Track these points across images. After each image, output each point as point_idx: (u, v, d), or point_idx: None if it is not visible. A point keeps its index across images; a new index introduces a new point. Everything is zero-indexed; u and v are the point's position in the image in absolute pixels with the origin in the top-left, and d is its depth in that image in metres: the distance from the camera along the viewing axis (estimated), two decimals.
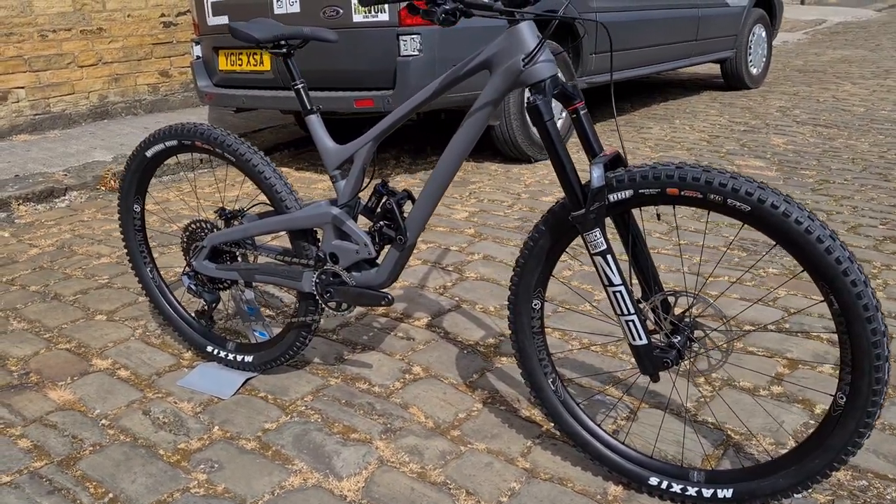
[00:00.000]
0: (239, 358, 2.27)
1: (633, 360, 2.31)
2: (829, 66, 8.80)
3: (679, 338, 1.61)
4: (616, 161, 1.58)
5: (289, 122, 6.15)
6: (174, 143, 2.10)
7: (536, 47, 1.52)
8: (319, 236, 2.04)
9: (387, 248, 1.91)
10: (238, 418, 2.08)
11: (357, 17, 4.04)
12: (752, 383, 2.17)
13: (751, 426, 1.97)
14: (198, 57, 5.10)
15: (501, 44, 1.58)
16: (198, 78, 5.09)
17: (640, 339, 1.57)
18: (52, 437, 2.01)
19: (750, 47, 7.07)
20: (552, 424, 2.01)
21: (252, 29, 1.88)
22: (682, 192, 1.47)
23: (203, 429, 2.04)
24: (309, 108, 1.93)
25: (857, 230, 3.37)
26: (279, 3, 4.34)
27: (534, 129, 4.66)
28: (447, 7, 1.44)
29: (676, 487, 1.69)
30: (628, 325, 1.57)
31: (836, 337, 2.40)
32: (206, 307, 2.23)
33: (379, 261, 1.96)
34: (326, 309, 2.00)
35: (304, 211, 1.95)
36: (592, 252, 1.55)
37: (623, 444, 1.76)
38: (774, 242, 1.45)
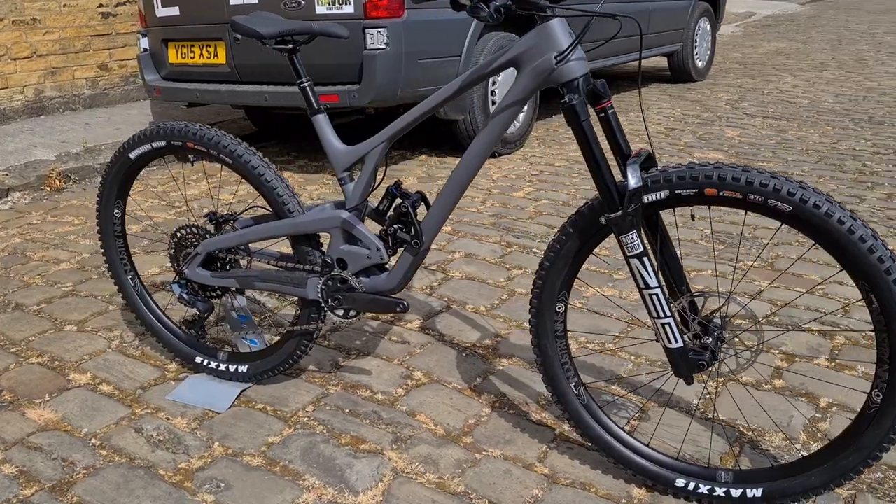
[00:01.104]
0: (232, 368, 2.16)
1: (632, 358, 2.30)
2: (766, 59, 9.03)
3: (710, 339, 1.59)
4: (648, 161, 1.54)
5: (238, 116, 5.97)
6: (162, 143, 1.98)
7: (571, 45, 1.47)
8: (322, 240, 1.96)
9: (398, 251, 1.84)
10: (238, 433, 1.98)
11: (320, 9, 3.92)
12: (754, 378, 2.18)
13: (760, 422, 1.97)
14: (145, 49, 4.89)
15: (531, 41, 1.52)
16: (145, 72, 4.88)
17: (676, 341, 1.55)
18: (39, 461, 1.88)
19: (696, 40, 7.20)
20: (567, 427, 1.98)
21: (255, 24, 1.78)
22: (721, 193, 1.45)
23: (203, 445, 1.93)
24: (316, 106, 1.84)
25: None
26: None
27: None
28: (497, 4, 1.39)
29: (704, 488, 1.67)
30: (664, 328, 1.54)
31: (826, 329, 2.44)
32: (197, 317, 2.12)
33: (388, 265, 1.89)
34: (333, 316, 1.92)
35: (309, 215, 1.86)
36: (629, 255, 1.52)
37: (647, 446, 1.74)
38: (813, 242, 1.44)
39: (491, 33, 4.52)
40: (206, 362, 2.20)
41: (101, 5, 6.20)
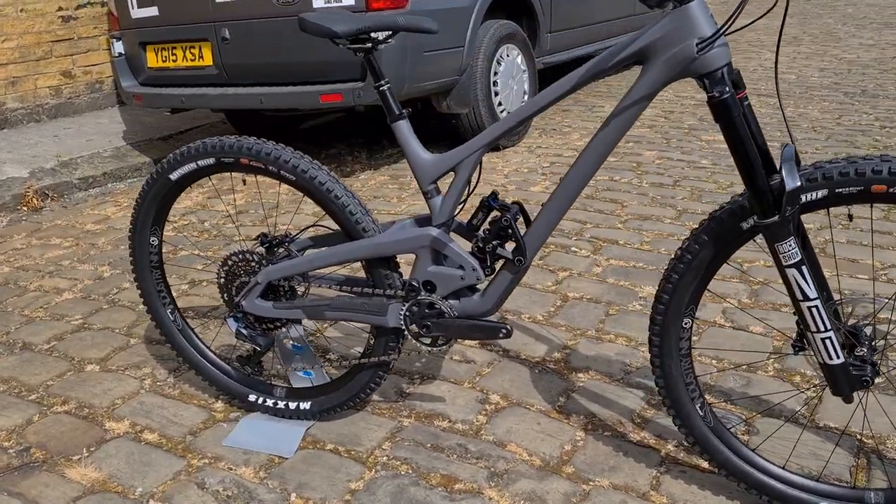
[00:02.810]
0: (292, 405, 1.95)
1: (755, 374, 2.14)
2: (738, 35, 8.99)
3: (864, 350, 1.43)
4: (796, 158, 1.37)
5: (217, 120, 5.68)
6: (210, 161, 1.75)
7: (719, 30, 1.29)
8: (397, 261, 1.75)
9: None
10: (315, 479, 1.77)
11: (318, 3, 3.68)
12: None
13: (876, 427, 1.84)
14: (120, 54, 4.58)
15: (665, 28, 1.34)
16: (121, 77, 4.57)
17: (838, 357, 1.39)
18: None
19: None
20: (671, 447, 1.81)
21: (327, 21, 1.56)
22: (892, 189, 1.29)
23: (279, 499, 1.72)
24: (398, 112, 1.63)
25: None
26: None
27: (502, 116, 4.45)
28: None
29: None
30: (825, 343, 1.38)
31: None
32: (253, 352, 1.90)
33: (480, 286, 1.69)
34: (419, 344, 1.72)
35: (392, 234, 1.65)
36: (785, 264, 1.35)
37: (784, 468, 1.58)
38: None
39: (489, 21, 4.33)
40: (261, 400, 1.98)
41: (60, 8, 5.82)
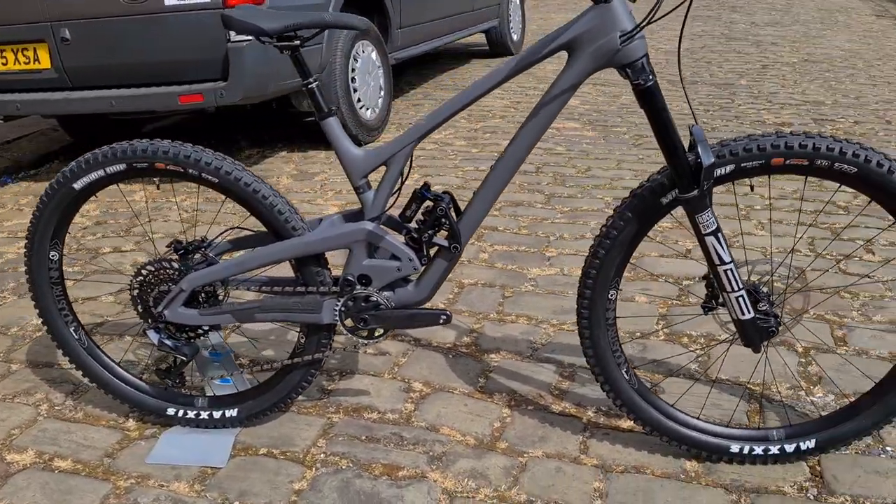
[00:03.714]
0: (216, 414, 1.90)
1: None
2: None
3: (766, 305, 1.62)
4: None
5: (48, 127, 5.29)
6: (121, 167, 1.66)
7: (640, 24, 1.41)
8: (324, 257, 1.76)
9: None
10: (255, 485, 1.75)
11: (171, 1, 3.53)
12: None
13: (746, 374, 2.07)
14: None
15: (591, 22, 1.44)
16: None
17: (748, 312, 1.56)
18: None
19: (510, 15, 7.39)
20: (591, 414, 1.95)
21: (254, 17, 1.53)
22: (788, 161, 1.47)
23: None
24: (326, 109, 1.63)
25: None
26: None
27: (363, 113, 4.47)
28: None
29: (759, 449, 1.72)
30: (738, 301, 1.55)
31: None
32: (173, 363, 1.83)
33: (412, 276, 1.73)
34: (356, 339, 1.74)
35: (324, 230, 1.65)
36: (704, 232, 1.50)
37: (699, 419, 1.76)
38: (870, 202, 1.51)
39: None
40: (181, 413, 1.91)
41: None
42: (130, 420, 2.00)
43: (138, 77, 3.73)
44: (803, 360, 2.13)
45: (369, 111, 4.59)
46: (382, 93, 4.77)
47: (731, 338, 1.81)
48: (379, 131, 4.73)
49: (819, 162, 1.47)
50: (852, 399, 1.77)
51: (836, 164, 1.46)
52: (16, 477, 1.81)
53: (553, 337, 2.33)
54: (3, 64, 3.96)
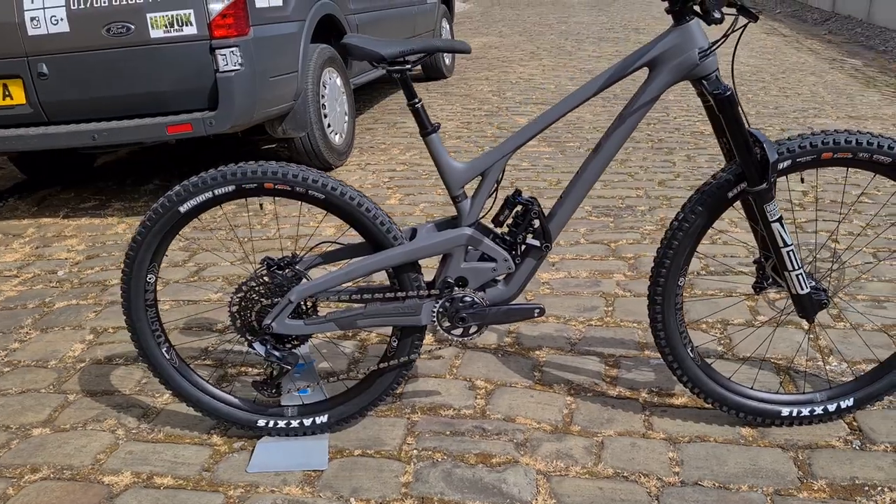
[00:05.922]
0: (307, 422, 1.99)
1: None
2: (483, 53, 9.84)
3: (815, 282, 1.87)
4: None
5: None
6: (229, 189, 1.76)
7: (717, 41, 1.64)
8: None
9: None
10: (365, 482, 1.86)
11: (156, 33, 3.57)
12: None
13: (768, 352, 2.33)
14: None
15: (673, 41, 1.66)
16: None
17: (805, 287, 1.81)
18: None
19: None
20: (645, 394, 2.15)
21: (372, 45, 1.66)
22: (835, 155, 1.73)
23: None
24: (429, 127, 1.77)
25: (668, 183, 4.02)
26: (35, 23, 3.61)
27: (332, 137, 4.58)
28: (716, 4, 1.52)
29: (805, 411, 1.97)
30: (798, 278, 1.79)
31: None
32: (271, 374, 1.91)
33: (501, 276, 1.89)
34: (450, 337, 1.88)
35: (427, 238, 1.79)
36: (771, 220, 1.74)
37: (752, 388, 1.99)
38: None
39: (312, 45, 4.44)
40: (271, 423, 1.99)
41: None
42: (214, 436, 2.07)
43: (119, 110, 3.73)
44: (811, 336, 2.41)
45: (337, 136, 4.71)
46: (347, 118, 4.90)
47: (778, 314, 2.08)
48: (346, 155, 4.85)
49: (860, 154, 1.73)
50: (881, 361, 2.04)
51: (875, 156, 1.73)
52: (122, 496, 1.85)
53: (585, 332, 2.53)
54: None
